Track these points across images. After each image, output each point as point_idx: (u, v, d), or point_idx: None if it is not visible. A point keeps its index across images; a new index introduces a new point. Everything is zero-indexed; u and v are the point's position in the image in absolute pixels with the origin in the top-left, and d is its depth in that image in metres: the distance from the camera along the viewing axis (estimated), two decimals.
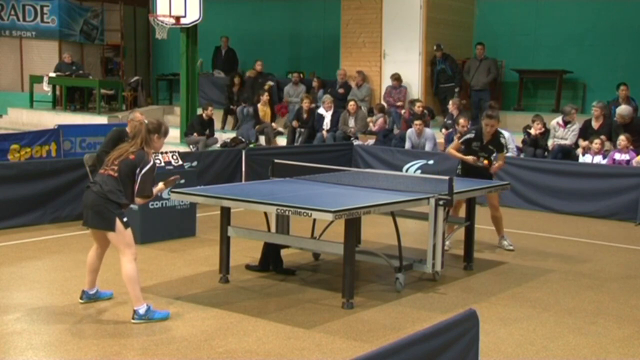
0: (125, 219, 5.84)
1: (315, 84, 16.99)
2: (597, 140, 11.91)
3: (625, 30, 15.58)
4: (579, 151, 12.26)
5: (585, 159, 11.99)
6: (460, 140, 8.95)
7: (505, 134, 12.85)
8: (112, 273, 6.93)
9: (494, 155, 8.72)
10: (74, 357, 5.13)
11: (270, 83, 17.38)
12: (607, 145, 12.21)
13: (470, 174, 8.63)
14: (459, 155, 8.79)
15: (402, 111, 14.89)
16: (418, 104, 14.36)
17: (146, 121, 6.11)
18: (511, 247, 8.76)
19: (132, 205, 8.56)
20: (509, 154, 9.48)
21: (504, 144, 8.81)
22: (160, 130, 5.98)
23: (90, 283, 6.29)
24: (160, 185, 6.12)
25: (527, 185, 11.46)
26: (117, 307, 6.19)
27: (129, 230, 5.88)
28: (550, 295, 6.93)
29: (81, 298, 6.28)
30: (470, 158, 8.64)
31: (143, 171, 5.81)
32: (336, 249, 6.61)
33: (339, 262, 6.70)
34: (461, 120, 13.26)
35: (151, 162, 5.88)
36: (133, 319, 5.76)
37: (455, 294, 6.88)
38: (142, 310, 5.77)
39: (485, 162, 8.65)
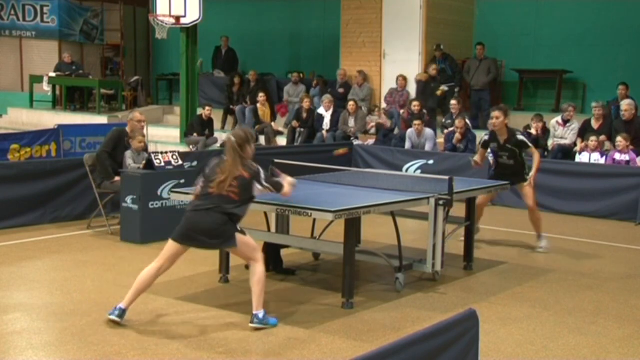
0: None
1: (314, 82, 16.97)
2: (593, 138, 11.92)
3: (625, 30, 15.59)
4: (577, 149, 12.28)
5: (583, 156, 12.00)
6: (481, 145, 8.97)
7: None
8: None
9: (525, 154, 8.62)
10: (74, 357, 5.13)
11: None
12: (607, 145, 12.22)
13: (504, 177, 8.55)
14: (478, 158, 8.89)
15: (402, 111, 14.88)
16: (415, 103, 14.35)
17: (232, 138, 5.96)
18: (541, 250, 8.67)
19: (132, 206, 8.61)
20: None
21: (524, 140, 8.65)
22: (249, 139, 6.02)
23: (131, 301, 5.80)
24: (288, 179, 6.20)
25: None
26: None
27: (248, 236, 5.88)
28: (550, 295, 6.93)
29: (117, 316, 5.69)
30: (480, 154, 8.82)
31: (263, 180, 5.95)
32: (336, 249, 6.62)
33: (339, 262, 6.70)
34: (457, 122, 13.30)
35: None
36: (252, 322, 5.70)
37: (455, 294, 6.88)
38: (260, 314, 5.72)
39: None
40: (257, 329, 5.67)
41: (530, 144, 8.71)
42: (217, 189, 5.76)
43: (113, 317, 5.68)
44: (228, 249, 5.92)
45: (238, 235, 5.76)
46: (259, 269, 5.77)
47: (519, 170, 8.64)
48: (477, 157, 8.94)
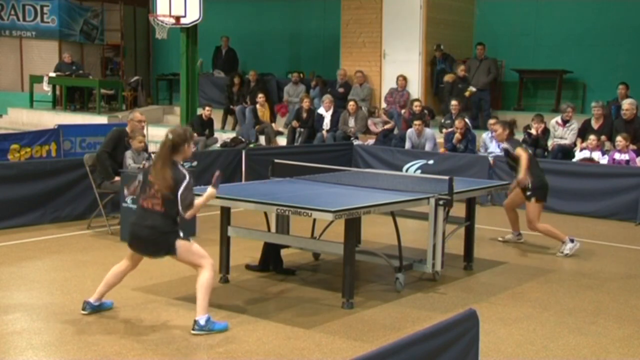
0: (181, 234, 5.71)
1: (313, 83, 16.97)
2: (592, 137, 11.93)
3: (625, 30, 15.58)
4: (577, 149, 12.28)
5: (582, 154, 11.99)
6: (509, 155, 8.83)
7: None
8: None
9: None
10: (74, 357, 5.13)
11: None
12: (607, 145, 12.22)
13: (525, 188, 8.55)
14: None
15: (403, 111, 14.88)
16: (416, 103, 14.35)
17: (170, 136, 5.68)
18: (561, 254, 8.49)
19: (132, 206, 8.60)
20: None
21: (507, 148, 8.68)
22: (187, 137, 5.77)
23: (100, 294, 5.99)
24: (210, 190, 5.87)
25: None
26: (117, 307, 6.18)
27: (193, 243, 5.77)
28: (550, 295, 6.93)
29: (84, 309, 5.95)
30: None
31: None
32: (336, 249, 6.61)
33: (339, 262, 6.70)
34: (456, 122, 13.31)
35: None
36: (193, 329, 5.54)
37: (455, 294, 6.88)
38: (202, 320, 5.55)
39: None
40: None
41: (512, 151, 8.54)
42: (145, 202, 5.68)
43: (84, 312, 5.93)
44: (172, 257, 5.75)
45: (180, 244, 5.64)
46: (205, 274, 5.64)
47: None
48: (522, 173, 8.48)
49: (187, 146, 5.71)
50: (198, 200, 5.72)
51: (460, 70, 15.12)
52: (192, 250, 5.72)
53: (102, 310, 6.01)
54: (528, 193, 8.50)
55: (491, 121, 12.96)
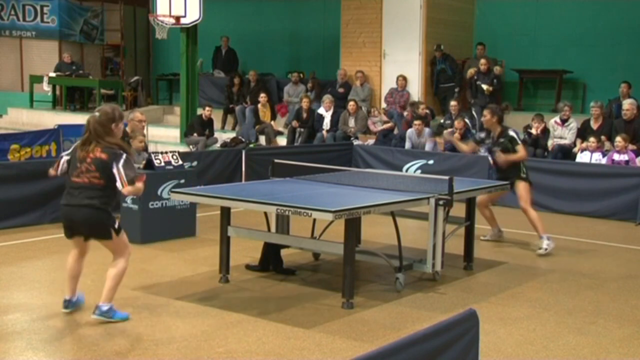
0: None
1: (309, 85, 16.95)
2: (592, 139, 11.93)
3: (625, 30, 15.58)
4: (576, 149, 12.28)
5: (583, 156, 12.00)
6: (474, 139, 9.42)
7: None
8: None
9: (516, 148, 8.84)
10: (74, 357, 5.13)
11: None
12: (607, 145, 12.23)
13: (503, 174, 8.82)
14: (464, 147, 9.63)
15: (405, 113, 14.86)
16: (422, 106, 14.35)
17: (96, 114, 5.66)
18: (541, 251, 8.59)
19: (132, 205, 8.60)
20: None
21: (514, 137, 8.90)
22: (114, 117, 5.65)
23: (71, 290, 5.97)
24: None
25: None
26: (117, 306, 6.17)
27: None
28: (550, 295, 6.93)
29: (66, 308, 5.93)
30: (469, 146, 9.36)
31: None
32: (336, 249, 6.61)
33: (339, 262, 6.70)
34: (456, 122, 13.31)
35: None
36: (94, 313, 5.67)
37: (455, 294, 6.88)
38: (105, 307, 5.66)
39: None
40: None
41: (519, 142, 8.95)
42: (79, 177, 5.59)
43: (65, 310, 5.92)
44: (103, 242, 5.74)
45: (115, 233, 5.66)
46: (122, 264, 5.70)
47: (515, 165, 8.83)
48: (464, 145, 9.48)
49: (115, 126, 5.62)
50: (139, 184, 5.62)
51: (482, 64, 14.87)
52: (123, 239, 5.74)
53: (80, 304, 6.02)
54: (523, 175, 8.83)
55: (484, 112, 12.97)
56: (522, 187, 8.80)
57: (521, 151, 8.84)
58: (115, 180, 5.52)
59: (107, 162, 5.51)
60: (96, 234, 5.70)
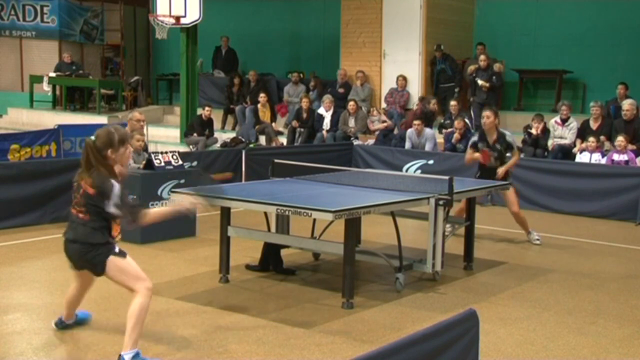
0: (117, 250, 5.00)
1: (312, 84, 16.96)
2: (592, 139, 11.93)
3: (625, 30, 15.58)
4: (576, 150, 12.28)
5: (583, 156, 12.00)
6: (470, 145, 9.21)
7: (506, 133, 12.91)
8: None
9: (508, 155, 8.91)
10: (74, 357, 5.13)
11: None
12: (607, 145, 12.23)
13: (487, 177, 8.80)
14: (468, 156, 9.21)
15: (415, 106, 14.83)
16: (432, 101, 14.42)
17: (92, 138, 4.99)
18: (538, 242, 8.95)
19: None
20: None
21: (512, 142, 8.96)
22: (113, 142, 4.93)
23: (68, 315, 5.52)
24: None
25: (527, 185, 11.44)
26: (117, 306, 6.18)
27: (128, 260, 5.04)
28: (550, 295, 6.93)
29: (56, 326, 5.53)
30: (477, 155, 8.96)
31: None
32: (336, 249, 6.61)
33: (339, 262, 6.70)
34: (456, 122, 13.31)
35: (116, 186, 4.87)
36: None
37: (455, 294, 6.88)
38: (128, 357, 4.76)
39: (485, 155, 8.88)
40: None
41: (515, 147, 9.05)
42: (74, 208, 4.99)
43: (53, 325, 5.55)
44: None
45: (113, 261, 4.88)
46: (138, 301, 4.83)
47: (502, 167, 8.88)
48: (469, 155, 9.25)
49: (112, 151, 4.89)
50: (164, 208, 5.04)
51: (481, 60, 14.82)
52: (126, 269, 4.94)
53: (83, 323, 5.64)
54: (509, 181, 8.84)
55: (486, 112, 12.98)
56: (512, 192, 8.81)
57: (516, 155, 8.95)
58: (109, 219, 4.90)
59: (95, 198, 4.86)
60: (89, 269, 5.07)
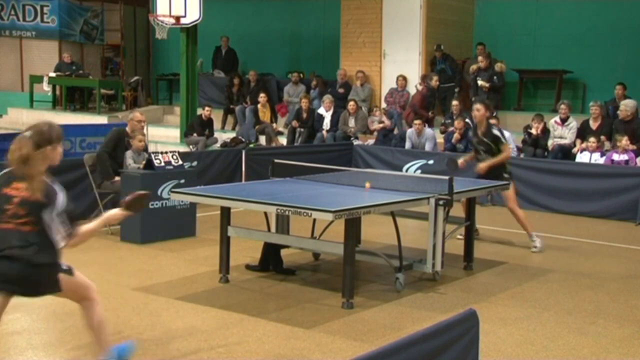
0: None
1: (314, 83, 16.95)
2: (592, 139, 11.93)
3: (625, 30, 15.58)
4: (576, 150, 12.28)
5: (583, 156, 12.00)
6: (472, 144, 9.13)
7: (506, 134, 12.90)
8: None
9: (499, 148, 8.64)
10: (74, 357, 5.13)
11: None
12: (607, 145, 12.23)
13: (486, 176, 8.61)
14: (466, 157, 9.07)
15: (419, 87, 14.86)
16: (434, 78, 14.44)
17: (27, 134, 4.32)
18: (535, 250, 8.67)
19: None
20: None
21: (498, 135, 8.72)
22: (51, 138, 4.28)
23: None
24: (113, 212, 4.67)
25: (527, 185, 11.44)
26: (117, 306, 6.19)
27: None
28: (550, 295, 6.93)
29: None
30: (467, 157, 8.86)
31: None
32: (336, 249, 6.61)
33: (339, 262, 6.70)
34: (456, 122, 13.30)
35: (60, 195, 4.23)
36: None
37: (455, 294, 6.88)
38: (112, 358, 4.61)
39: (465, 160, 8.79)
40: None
41: (504, 141, 8.79)
42: (7, 222, 4.14)
43: None
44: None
45: (63, 277, 4.30)
46: (95, 309, 4.52)
47: (498, 169, 8.66)
48: (466, 157, 9.06)
49: (52, 148, 4.27)
50: (91, 225, 4.43)
51: (480, 60, 14.77)
52: (78, 282, 4.46)
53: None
54: (507, 175, 8.65)
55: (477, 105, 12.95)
56: (511, 188, 8.62)
57: (506, 151, 8.72)
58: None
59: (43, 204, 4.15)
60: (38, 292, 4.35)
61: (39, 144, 4.23)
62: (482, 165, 8.66)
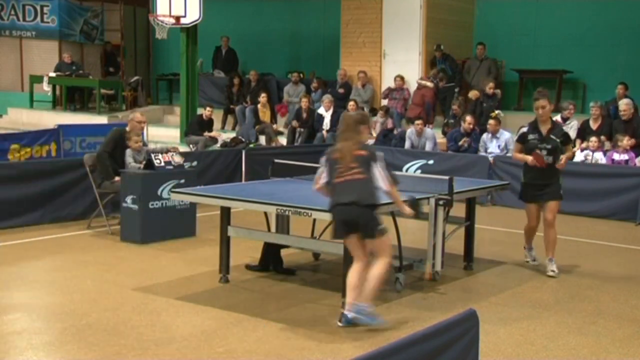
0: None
1: (314, 85, 16.93)
2: (593, 139, 11.93)
3: (625, 30, 15.58)
4: (576, 149, 12.27)
5: (584, 154, 11.98)
6: (516, 139, 7.85)
7: (506, 134, 12.91)
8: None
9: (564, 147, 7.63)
10: (74, 357, 5.13)
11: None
12: (607, 145, 12.22)
13: (537, 179, 7.62)
14: (519, 156, 7.72)
15: (430, 84, 14.81)
16: (468, 119, 13.16)
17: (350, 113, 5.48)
18: (552, 274, 7.56)
19: (132, 206, 8.60)
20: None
21: (568, 133, 7.92)
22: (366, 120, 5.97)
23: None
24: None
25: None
26: (117, 306, 6.19)
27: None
28: (550, 295, 6.93)
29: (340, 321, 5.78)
30: (528, 158, 7.55)
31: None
32: (336, 249, 6.60)
33: (339, 262, 6.69)
34: (467, 118, 13.22)
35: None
36: (350, 312, 5.65)
37: (455, 294, 6.88)
38: (368, 308, 5.64)
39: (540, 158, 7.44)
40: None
41: (570, 140, 7.92)
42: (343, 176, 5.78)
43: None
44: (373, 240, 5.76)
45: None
46: (387, 268, 5.72)
47: (554, 177, 7.64)
48: (518, 154, 7.76)
49: None
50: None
51: (489, 88, 14.47)
52: (387, 240, 5.76)
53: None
54: (561, 183, 7.79)
55: (491, 122, 12.94)
56: (558, 203, 7.77)
57: (572, 150, 7.83)
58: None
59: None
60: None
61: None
62: (563, 161, 7.52)
